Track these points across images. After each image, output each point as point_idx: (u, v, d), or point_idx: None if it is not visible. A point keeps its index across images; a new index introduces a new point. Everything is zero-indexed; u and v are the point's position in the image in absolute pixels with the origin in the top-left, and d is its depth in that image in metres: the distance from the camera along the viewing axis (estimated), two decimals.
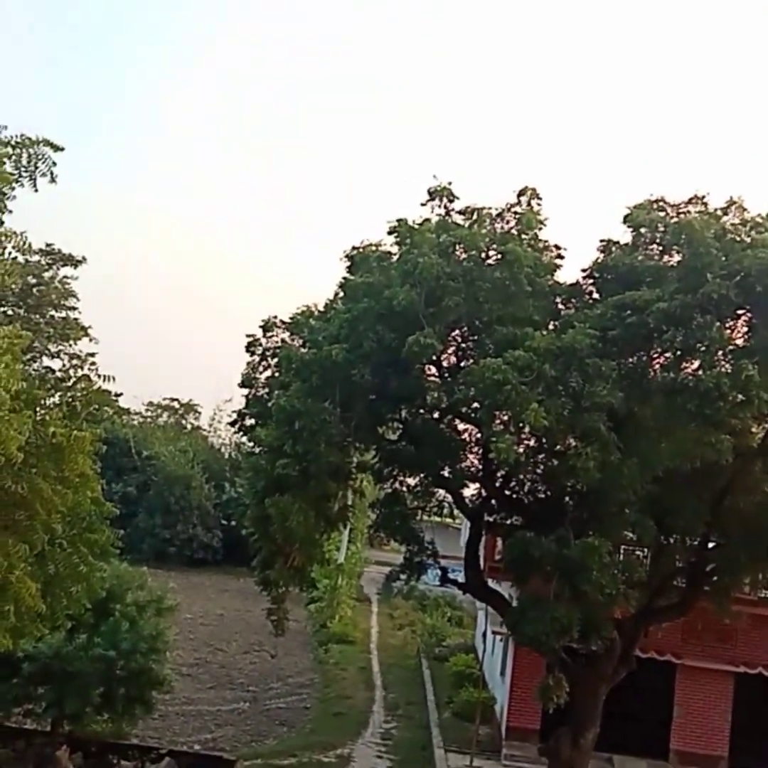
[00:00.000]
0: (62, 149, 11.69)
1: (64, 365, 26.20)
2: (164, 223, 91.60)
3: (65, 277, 30.29)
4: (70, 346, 29.98)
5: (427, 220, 16.52)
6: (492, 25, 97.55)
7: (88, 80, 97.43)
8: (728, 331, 14.57)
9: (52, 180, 11.73)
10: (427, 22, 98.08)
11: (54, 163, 11.69)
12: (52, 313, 30.03)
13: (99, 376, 13.35)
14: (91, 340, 30.47)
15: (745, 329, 14.81)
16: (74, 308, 30.55)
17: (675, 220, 15.76)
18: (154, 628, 21.23)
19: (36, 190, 11.77)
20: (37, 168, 11.66)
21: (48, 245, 29.60)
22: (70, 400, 13.11)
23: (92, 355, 27.77)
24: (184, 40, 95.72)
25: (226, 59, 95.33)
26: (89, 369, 14.91)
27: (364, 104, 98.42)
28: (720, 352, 14.18)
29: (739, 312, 14.65)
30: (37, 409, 11.81)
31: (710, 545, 17.60)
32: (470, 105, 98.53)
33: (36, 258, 28.98)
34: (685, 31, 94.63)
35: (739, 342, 14.69)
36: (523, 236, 16.30)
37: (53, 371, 21.95)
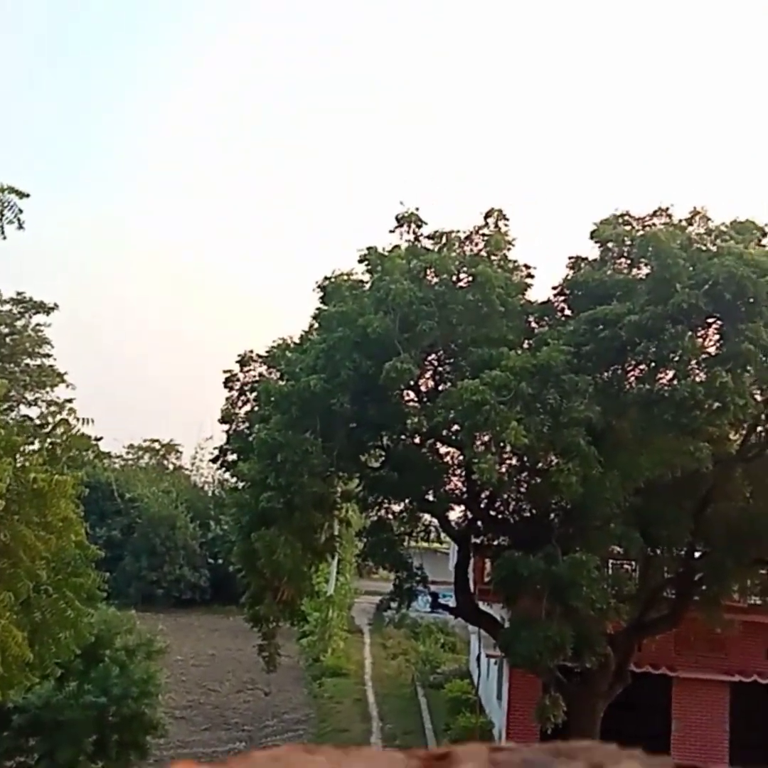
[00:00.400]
0: (28, 195, 11.76)
1: (41, 412, 26.06)
2: (138, 255, 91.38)
3: (38, 324, 30.23)
4: (47, 393, 29.84)
5: (397, 246, 16.68)
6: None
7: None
8: (700, 339, 14.77)
9: (20, 226, 11.78)
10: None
11: (20, 210, 11.75)
12: (27, 361, 29.89)
13: (78, 419, 13.33)
14: (67, 386, 30.38)
15: (717, 337, 15.00)
16: (49, 355, 30.45)
17: (641, 233, 15.99)
18: (144, 672, 20.97)
19: (4, 238, 11.81)
20: (2, 216, 11.71)
21: (19, 294, 29.55)
22: (50, 445, 13.07)
23: (70, 400, 27.72)
24: (179, 43, 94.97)
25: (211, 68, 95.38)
26: (68, 413, 14.89)
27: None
28: (693, 361, 14.36)
29: (710, 320, 14.85)
30: (17, 455, 11.75)
31: (697, 554, 17.68)
32: (443, 116, 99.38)
33: (7, 307, 28.89)
34: (652, 42, 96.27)
35: (712, 350, 14.87)
36: (493, 257, 16.49)
37: (31, 419, 21.84)
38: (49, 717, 19.18)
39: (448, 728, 26.85)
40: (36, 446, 12.99)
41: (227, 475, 22.80)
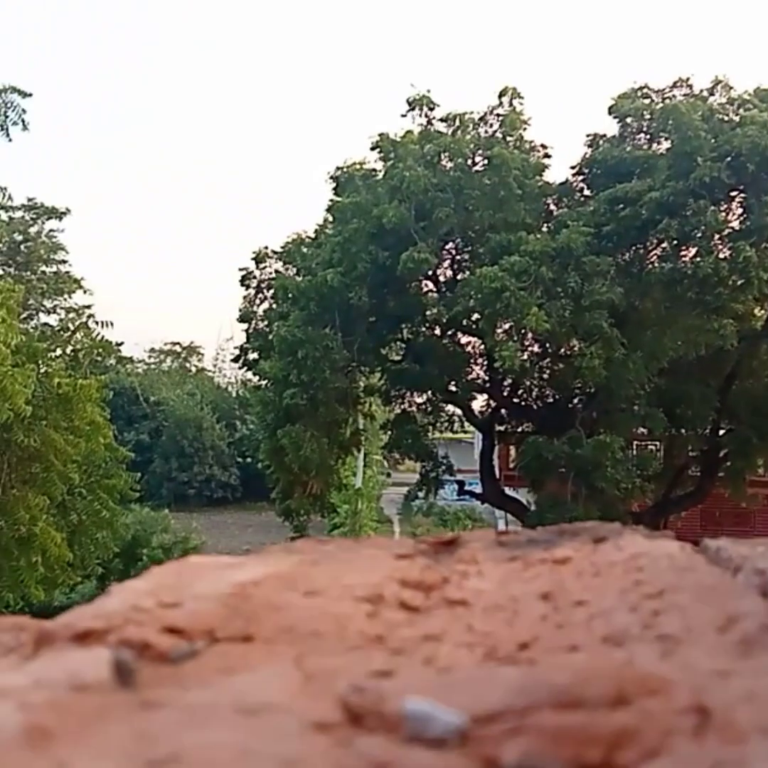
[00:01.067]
0: (30, 95, 11.47)
1: (61, 319, 26.13)
2: (150, 153, 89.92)
3: (51, 230, 29.97)
4: (65, 299, 29.82)
5: (410, 131, 16.22)
6: None
7: None
8: (723, 214, 14.42)
9: (25, 127, 11.52)
10: None
11: (24, 110, 11.46)
12: (43, 268, 29.78)
13: (97, 323, 13.34)
14: (85, 291, 30.29)
15: (740, 211, 14.64)
16: (64, 261, 30.29)
17: (660, 106, 15.44)
18: None
19: (9, 140, 11.58)
20: (7, 117, 11.44)
21: (30, 199, 29.22)
22: (72, 351, 13.13)
23: (88, 306, 27.62)
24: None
25: None
26: (87, 319, 14.92)
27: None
28: (716, 237, 14.07)
29: (733, 194, 14.47)
30: (40, 362, 11.83)
31: (721, 432, 17.71)
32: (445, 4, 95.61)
33: (19, 214, 28.61)
34: None
35: (735, 224, 14.54)
36: (508, 138, 16.02)
37: (51, 326, 21.92)
38: None
39: None
40: (58, 352, 13.06)
41: (250, 375, 22.87)
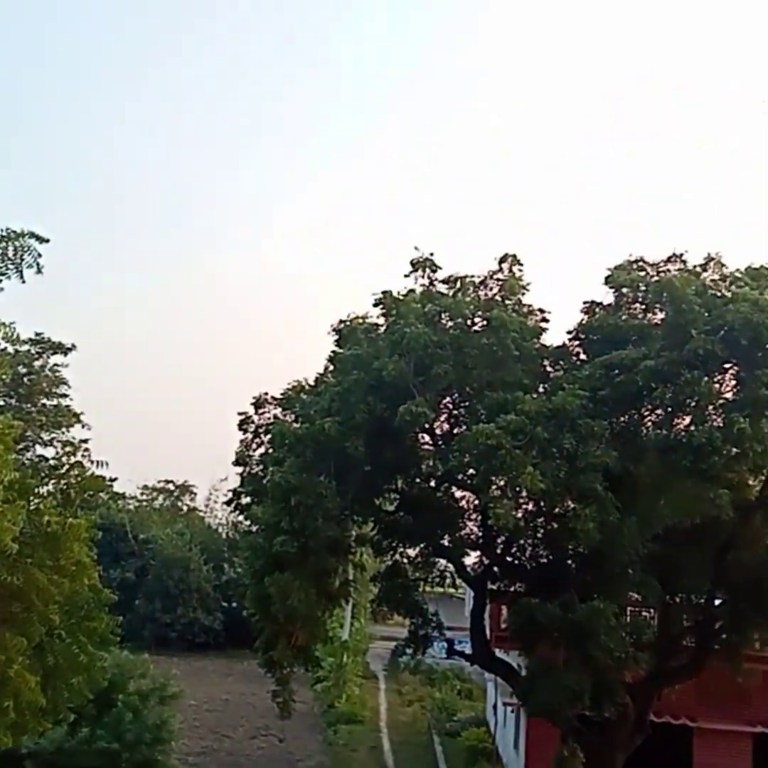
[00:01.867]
0: (47, 241, 11.91)
1: (57, 453, 26.13)
2: (151, 300, 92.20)
3: (55, 364, 30.39)
4: (63, 433, 29.89)
5: (412, 290, 16.75)
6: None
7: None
8: (717, 385, 14.67)
9: (38, 271, 11.92)
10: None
11: (39, 255, 11.89)
12: (44, 401, 30.03)
13: (92, 462, 13.37)
14: (83, 426, 30.38)
15: (733, 383, 14.89)
16: (65, 395, 30.56)
17: (655, 278, 15.99)
18: (158, 717, 20.77)
19: (23, 282, 11.95)
20: (22, 260, 11.85)
21: (37, 334, 29.79)
22: (64, 487, 13.08)
23: (85, 441, 27.68)
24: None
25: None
26: (82, 455, 14.98)
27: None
28: (710, 407, 14.24)
29: (726, 366, 14.77)
30: (31, 498, 11.77)
31: (717, 602, 17.40)
32: (451, 174, 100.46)
33: (25, 347, 29.12)
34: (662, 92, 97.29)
35: (729, 396, 14.76)
36: (507, 302, 16.52)
37: (46, 459, 21.94)
38: (63, 763, 19.01)
39: None
40: (50, 488, 13.01)
41: (241, 518, 22.70)
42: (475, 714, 35.18)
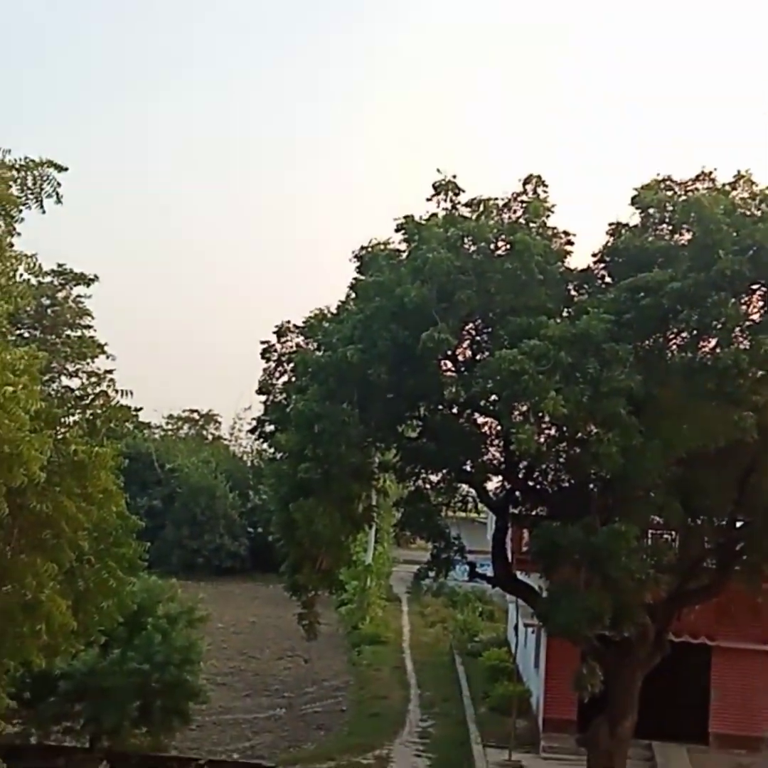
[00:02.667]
0: (66, 169, 11.74)
1: (82, 383, 26.26)
2: (176, 228, 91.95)
3: (78, 295, 30.33)
4: (88, 364, 30.01)
5: (434, 215, 16.47)
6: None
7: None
8: (744, 306, 14.46)
9: (58, 201, 11.77)
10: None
11: (59, 184, 11.73)
12: (68, 332, 30.07)
13: (117, 391, 13.43)
14: (107, 356, 30.44)
15: (761, 304, 14.69)
16: (89, 326, 30.56)
17: (683, 198, 15.63)
18: (186, 640, 21.28)
19: (43, 212, 11.83)
20: (42, 189, 11.70)
21: (60, 265, 29.67)
22: (90, 417, 13.20)
23: (110, 371, 27.73)
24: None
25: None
26: (107, 386, 15.03)
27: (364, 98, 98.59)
28: (737, 329, 14.06)
29: (754, 287, 14.54)
30: (58, 428, 11.88)
31: (738, 524, 17.45)
32: (475, 91, 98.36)
33: (48, 279, 29.04)
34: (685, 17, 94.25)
35: (756, 317, 14.57)
36: (531, 225, 16.20)
37: (72, 390, 22.07)
38: (94, 683, 19.58)
39: (486, 696, 27.00)
40: (76, 418, 13.12)
41: (265, 446, 22.85)
42: (496, 635, 35.88)
